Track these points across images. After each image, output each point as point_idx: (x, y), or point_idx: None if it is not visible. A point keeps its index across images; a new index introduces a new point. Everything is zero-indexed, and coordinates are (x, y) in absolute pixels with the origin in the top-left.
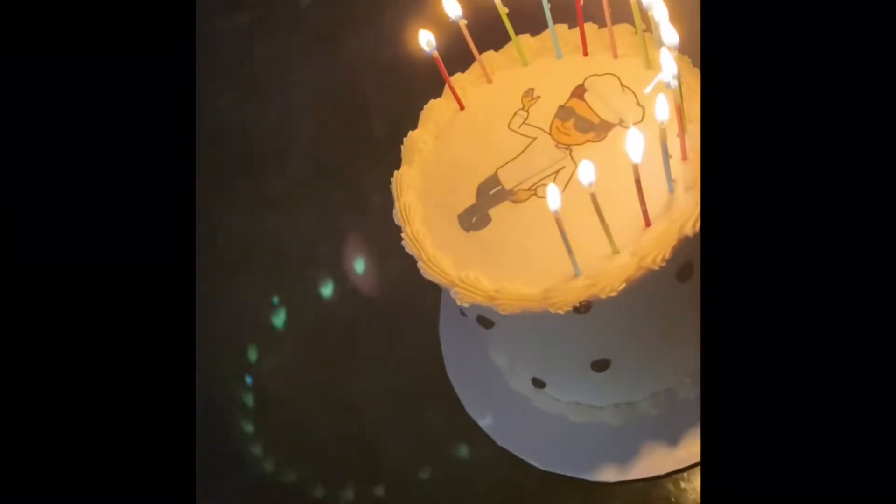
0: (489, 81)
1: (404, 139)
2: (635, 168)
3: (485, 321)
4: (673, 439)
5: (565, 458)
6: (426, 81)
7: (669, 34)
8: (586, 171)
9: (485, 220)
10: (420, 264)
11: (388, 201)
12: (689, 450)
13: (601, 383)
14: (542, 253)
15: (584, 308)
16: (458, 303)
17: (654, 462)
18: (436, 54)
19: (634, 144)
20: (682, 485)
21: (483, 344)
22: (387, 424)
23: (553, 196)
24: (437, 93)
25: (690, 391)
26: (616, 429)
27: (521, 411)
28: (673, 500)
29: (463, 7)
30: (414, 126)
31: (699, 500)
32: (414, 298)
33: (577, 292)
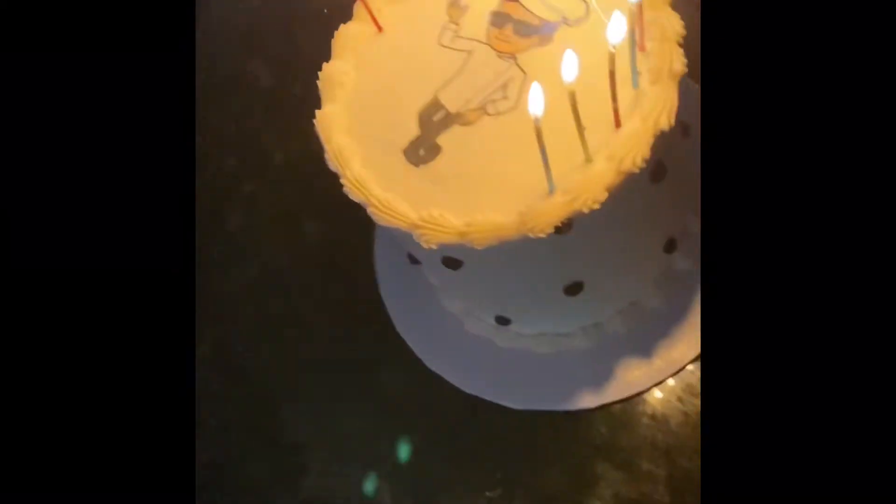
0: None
1: (319, 73)
2: (611, 58)
3: (452, 262)
4: (646, 352)
5: (540, 393)
6: (311, 17)
7: None
8: (570, 63)
9: (434, 151)
10: (371, 210)
11: (294, 158)
12: (665, 359)
13: (572, 308)
14: (507, 175)
15: (565, 227)
16: (425, 245)
17: (631, 379)
18: None
19: (615, 29)
20: (663, 395)
21: (430, 293)
22: (343, 389)
23: (536, 97)
24: (325, 31)
25: (655, 300)
26: (587, 353)
27: (485, 355)
28: (658, 413)
29: None
30: (306, 68)
31: (684, 408)
32: (344, 261)
33: (556, 211)
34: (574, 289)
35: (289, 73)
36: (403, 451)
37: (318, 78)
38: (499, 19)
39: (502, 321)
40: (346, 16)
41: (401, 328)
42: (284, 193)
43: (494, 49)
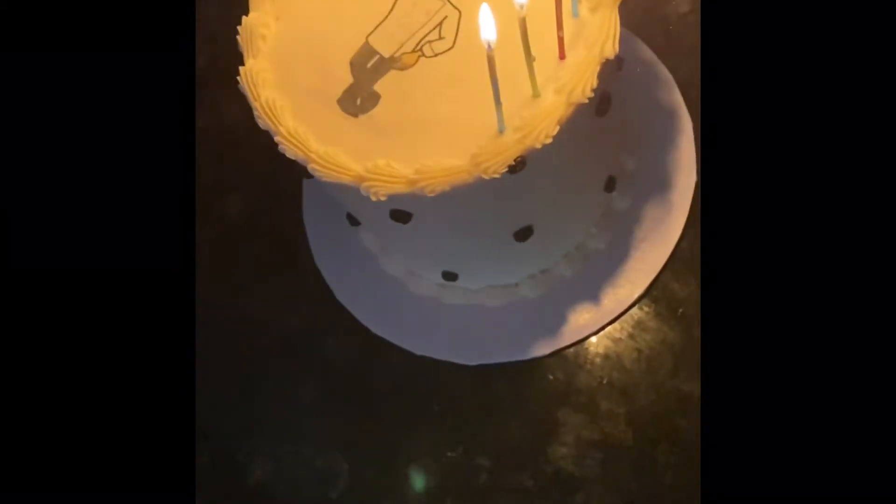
0: None
1: (238, 28)
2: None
3: (401, 215)
4: (594, 295)
5: (492, 346)
6: None
7: None
8: (486, 21)
9: (373, 99)
10: (312, 167)
11: (204, 131)
12: (614, 298)
13: (520, 255)
14: (452, 117)
15: (519, 165)
16: (374, 198)
17: (582, 323)
18: None
19: None
20: (617, 335)
21: (368, 259)
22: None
23: (487, 23)
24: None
25: (598, 241)
26: (536, 301)
27: (432, 314)
28: (611, 353)
29: None
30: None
31: (640, 346)
32: (271, 233)
33: (509, 148)
34: (524, 233)
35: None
36: (358, 421)
37: (217, 46)
38: None
39: (449, 276)
40: None
41: (341, 297)
42: (199, 169)
43: None
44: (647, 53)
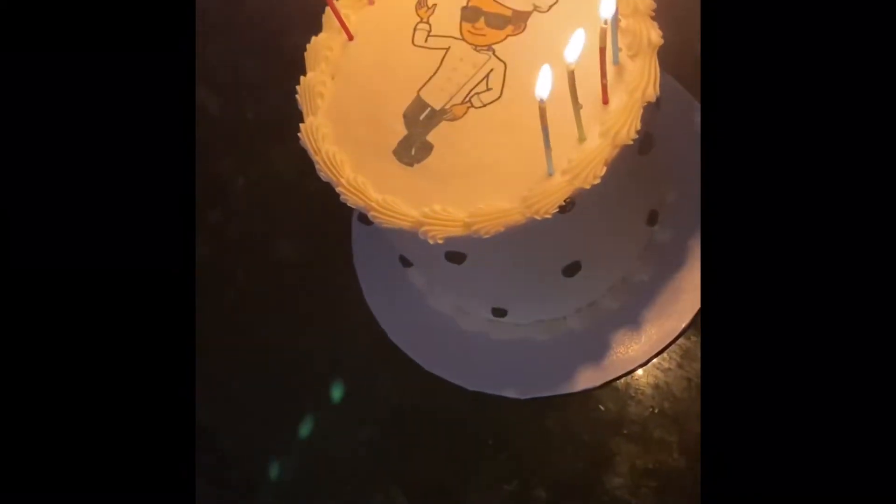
0: (371, 3)
1: (297, 87)
2: (602, 34)
3: (456, 256)
4: (639, 325)
5: (543, 380)
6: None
7: None
8: (577, 43)
9: (426, 148)
10: (372, 214)
11: (255, 182)
12: (660, 329)
13: (568, 289)
14: (502, 163)
15: (569, 206)
16: (431, 241)
17: (630, 354)
18: None
19: (607, 4)
20: (666, 365)
21: (417, 297)
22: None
23: (544, 81)
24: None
25: (642, 274)
26: (584, 333)
27: (482, 349)
28: (661, 382)
29: None
30: (253, 93)
31: (689, 375)
32: (323, 277)
33: (559, 190)
34: (572, 269)
35: (236, 99)
36: (414, 457)
37: (264, 102)
38: (470, 14)
39: (499, 312)
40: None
41: (393, 335)
42: (251, 218)
43: (470, 43)
44: (681, 90)
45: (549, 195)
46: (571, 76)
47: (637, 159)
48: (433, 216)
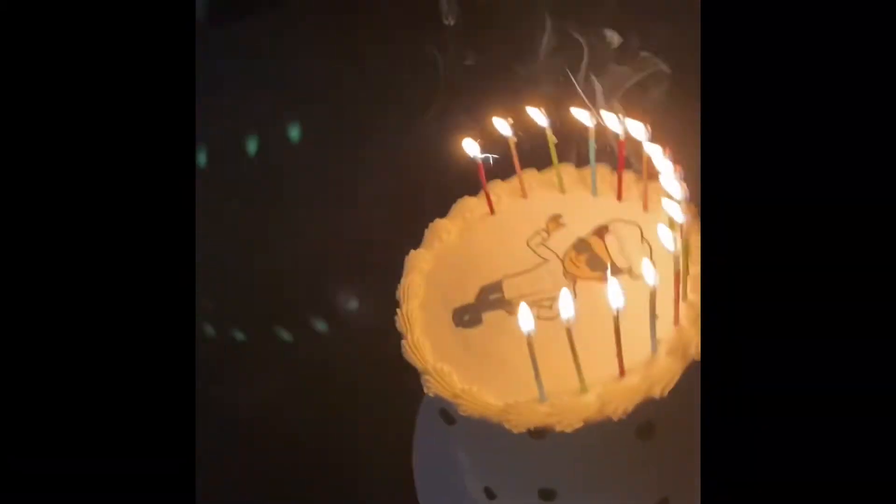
0: (524, 196)
1: (430, 224)
2: (615, 317)
3: (447, 416)
4: None
5: None
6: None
7: (674, 189)
8: (566, 305)
9: (476, 321)
10: (404, 343)
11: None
12: None
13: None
14: (518, 368)
15: (538, 434)
16: (425, 390)
17: None
18: (479, 161)
19: (614, 294)
20: None
21: (446, 438)
22: None
23: (525, 317)
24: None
25: None
26: None
27: None
28: None
29: (515, 123)
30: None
31: None
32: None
33: (535, 416)
34: (548, 494)
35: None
36: None
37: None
38: (581, 246)
39: (490, 494)
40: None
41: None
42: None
43: (564, 267)
44: None
45: (526, 414)
46: (569, 333)
47: (635, 440)
48: (438, 372)
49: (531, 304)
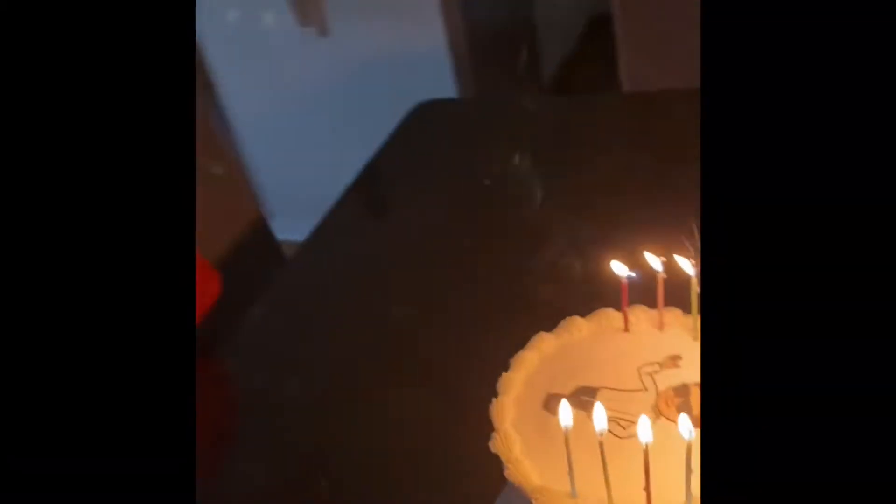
0: (660, 329)
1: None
2: (645, 463)
3: None
4: None
5: None
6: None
7: None
8: (644, 430)
9: (551, 413)
10: (494, 435)
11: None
12: None
13: None
14: (584, 475)
15: None
16: (506, 474)
17: None
18: (625, 282)
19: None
20: None
21: None
22: None
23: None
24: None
25: None
26: None
27: None
28: None
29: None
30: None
31: None
32: None
33: None
34: None
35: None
36: None
37: None
38: (683, 390)
39: None
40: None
41: None
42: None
43: (657, 402)
44: None
45: None
46: (646, 455)
47: None
48: (518, 465)
49: (613, 418)
